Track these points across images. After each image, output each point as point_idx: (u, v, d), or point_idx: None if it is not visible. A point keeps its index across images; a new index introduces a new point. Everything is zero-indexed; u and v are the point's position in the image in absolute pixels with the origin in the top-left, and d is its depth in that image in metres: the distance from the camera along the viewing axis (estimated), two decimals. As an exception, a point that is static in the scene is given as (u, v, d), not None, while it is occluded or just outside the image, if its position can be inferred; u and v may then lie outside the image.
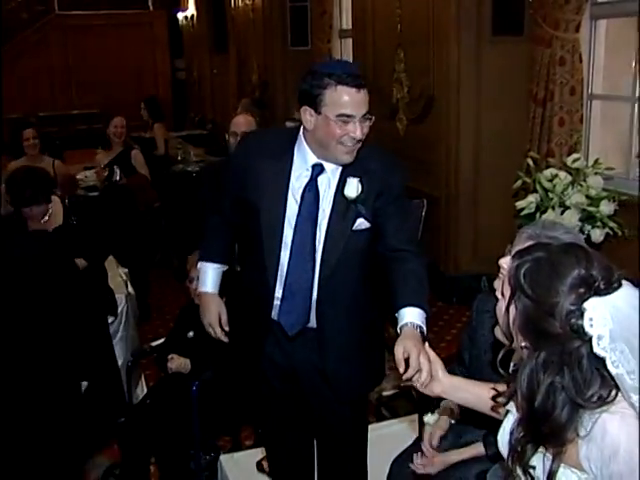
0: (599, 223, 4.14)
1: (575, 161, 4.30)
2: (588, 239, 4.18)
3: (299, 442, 2.66)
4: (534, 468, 1.53)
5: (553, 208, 4.15)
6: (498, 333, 1.64)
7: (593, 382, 1.42)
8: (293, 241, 2.31)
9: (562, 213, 4.12)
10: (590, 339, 1.39)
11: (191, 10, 12.44)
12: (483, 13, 5.33)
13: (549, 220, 2.47)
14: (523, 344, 1.50)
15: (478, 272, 4.93)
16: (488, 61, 5.38)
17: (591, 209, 4.11)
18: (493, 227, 5.19)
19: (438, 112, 5.69)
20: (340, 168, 2.30)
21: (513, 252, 2.25)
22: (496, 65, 5.35)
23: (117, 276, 4.42)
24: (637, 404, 1.39)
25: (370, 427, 2.75)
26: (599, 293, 1.40)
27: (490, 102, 5.41)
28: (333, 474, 2.64)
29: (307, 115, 2.23)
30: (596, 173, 4.27)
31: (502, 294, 1.56)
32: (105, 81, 11.78)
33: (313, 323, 2.38)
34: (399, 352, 1.98)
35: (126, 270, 4.72)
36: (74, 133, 11.11)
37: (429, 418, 2.57)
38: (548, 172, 4.30)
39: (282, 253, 2.33)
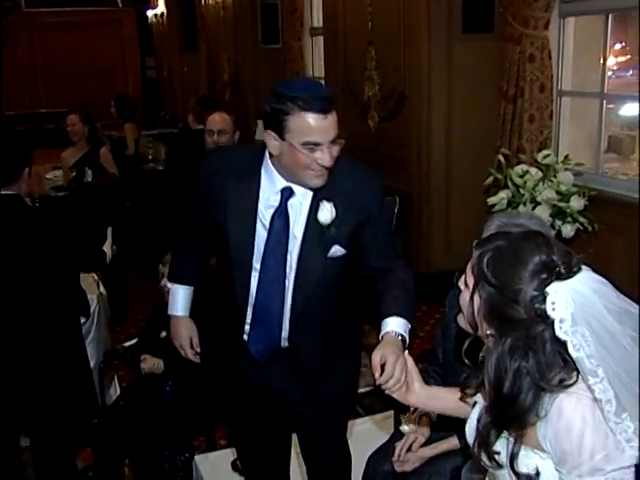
0: (570, 218, 4.19)
1: (545, 157, 4.35)
2: (559, 235, 4.23)
3: (274, 442, 2.63)
4: (499, 454, 1.55)
5: (524, 204, 4.19)
6: (461, 322, 1.64)
7: (555, 366, 1.46)
8: (262, 268, 2.22)
9: (533, 209, 4.16)
10: (553, 323, 1.42)
11: (161, 8, 12.35)
12: (453, 11, 5.36)
13: (515, 210, 2.49)
14: (488, 332, 1.53)
15: (451, 268, 4.94)
16: (458, 58, 5.41)
17: (562, 205, 4.16)
18: (465, 223, 5.21)
19: (409, 109, 5.71)
20: (311, 191, 2.17)
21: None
22: (466, 62, 5.38)
23: (89, 276, 4.37)
24: (594, 387, 1.41)
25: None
26: (560, 277, 1.44)
27: (461, 99, 5.44)
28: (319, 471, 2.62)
29: (272, 140, 2.07)
30: (566, 169, 4.32)
31: (466, 284, 1.58)
32: (74, 79, 11.65)
33: (285, 345, 2.32)
34: (376, 358, 1.97)
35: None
36: (43, 132, 10.97)
37: (405, 428, 2.57)
38: (519, 168, 4.35)
39: (252, 280, 2.24)
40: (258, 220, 2.20)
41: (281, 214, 2.18)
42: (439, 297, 2.68)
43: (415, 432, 2.50)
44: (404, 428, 2.56)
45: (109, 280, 4.82)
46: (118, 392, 3.99)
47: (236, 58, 9.34)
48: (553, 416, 1.45)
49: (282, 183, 2.17)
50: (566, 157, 4.41)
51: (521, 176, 4.28)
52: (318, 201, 2.16)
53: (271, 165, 2.16)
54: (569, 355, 1.43)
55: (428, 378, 2.61)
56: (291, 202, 2.18)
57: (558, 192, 4.21)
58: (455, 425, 2.11)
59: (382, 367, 1.92)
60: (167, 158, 6.64)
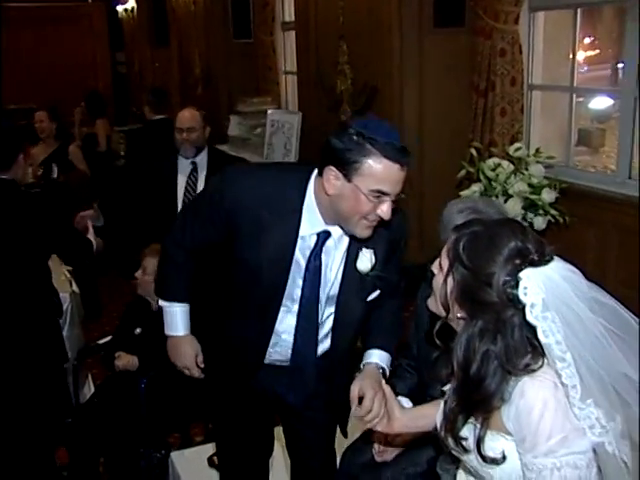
0: (541, 211, 4.23)
1: (517, 150, 4.39)
2: (531, 227, 4.27)
3: (256, 437, 2.55)
4: (466, 439, 1.58)
5: (497, 197, 4.23)
6: (432, 305, 1.67)
7: (523, 351, 1.48)
8: (301, 311, 2.14)
9: (505, 202, 4.21)
10: (523, 308, 1.45)
11: (131, 2, 12.22)
12: (424, 5, 5.39)
13: (461, 198, 2.53)
14: (459, 315, 1.56)
15: (425, 262, 4.96)
16: (430, 53, 5.43)
17: (533, 197, 4.21)
18: (438, 217, 5.24)
19: (381, 103, 5.72)
20: (347, 237, 2.08)
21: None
22: (438, 56, 5.41)
23: (61, 275, 4.33)
24: (562, 372, 1.44)
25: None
26: (533, 264, 1.47)
27: (432, 93, 5.47)
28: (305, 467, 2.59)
29: (332, 178, 1.91)
30: (537, 162, 4.37)
31: (440, 267, 1.61)
32: (43, 75, 11.49)
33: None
34: (355, 390, 1.99)
35: (70, 268, 4.62)
36: (12, 129, 10.82)
37: None
38: (491, 161, 4.39)
39: (283, 319, 2.17)
40: (294, 260, 2.08)
41: (316, 258, 2.09)
42: (413, 291, 2.69)
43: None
44: None
45: (82, 278, 4.78)
46: (92, 390, 3.96)
47: (208, 53, 9.28)
48: (516, 398, 1.49)
49: (322, 225, 2.05)
50: (537, 150, 4.46)
51: (493, 169, 4.32)
52: (356, 248, 2.09)
53: (315, 204, 2.03)
54: (538, 341, 1.46)
55: (403, 372, 2.63)
56: (326, 245, 2.09)
57: (530, 185, 4.26)
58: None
59: (360, 399, 1.94)
60: (127, 152, 6.54)
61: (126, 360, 3.41)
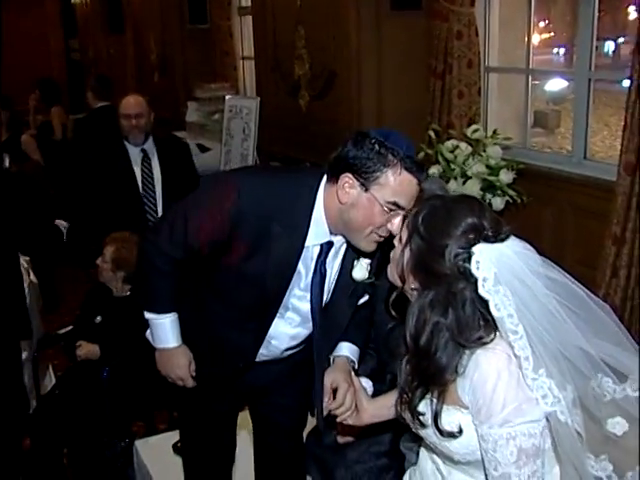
0: (499, 192, 4.28)
1: (475, 132, 4.43)
2: (490, 207, 4.31)
3: (221, 424, 2.53)
4: (423, 415, 1.61)
5: (455, 178, 4.27)
6: (390, 275, 1.69)
7: (474, 324, 1.51)
8: (294, 316, 2.15)
9: (464, 183, 4.24)
10: (476, 281, 1.48)
11: (84, -12, 12.02)
12: (381, -12, 5.38)
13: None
14: (413, 286, 1.60)
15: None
16: (387, 36, 5.42)
17: (491, 178, 4.25)
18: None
19: (340, 88, 5.71)
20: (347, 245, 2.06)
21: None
22: (395, 40, 5.40)
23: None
24: (514, 344, 1.47)
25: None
26: (487, 240, 1.50)
27: (391, 76, 5.47)
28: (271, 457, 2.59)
29: (347, 186, 1.89)
30: (495, 143, 4.41)
31: (400, 240, 1.64)
32: (-6, 63, 11.25)
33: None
34: (328, 382, 2.00)
35: (27, 258, 4.55)
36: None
37: None
38: (449, 143, 4.42)
39: (273, 327, 2.15)
40: (296, 273, 2.07)
41: (322, 267, 2.07)
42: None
43: None
44: None
45: (39, 268, 4.72)
46: (53, 381, 3.92)
47: (163, 39, 9.17)
48: (470, 371, 1.51)
49: (327, 236, 2.02)
50: (494, 132, 4.50)
51: (451, 151, 4.35)
52: (353, 258, 2.08)
53: (323, 214, 1.99)
54: (490, 314, 1.49)
55: (364, 355, 2.65)
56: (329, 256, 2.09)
57: (488, 166, 4.30)
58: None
59: (333, 391, 1.96)
60: (73, 141, 6.41)
61: (87, 349, 3.38)
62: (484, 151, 4.39)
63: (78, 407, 3.29)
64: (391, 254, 1.68)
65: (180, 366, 2.24)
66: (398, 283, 1.65)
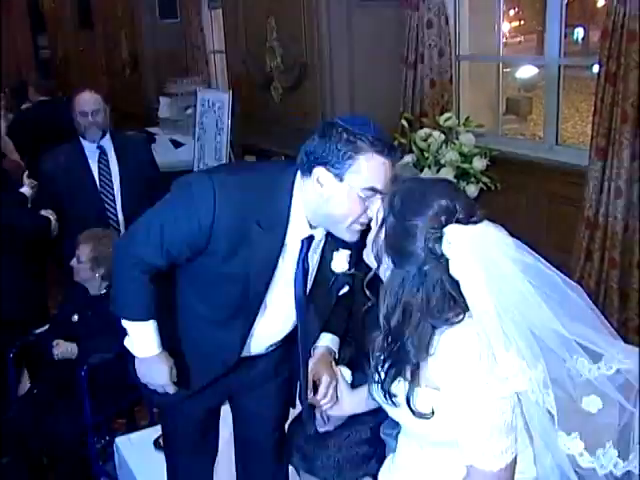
0: (473, 179, 4.31)
1: (447, 120, 4.45)
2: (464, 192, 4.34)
3: (205, 421, 2.50)
4: (396, 396, 1.63)
5: (429, 167, 4.29)
6: (365, 257, 1.72)
7: (444, 305, 1.54)
8: (272, 310, 2.11)
9: (438, 171, 4.27)
10: (447, 262, 1.51)
11: (51, -16, 11.87)
12: (351, -22, 5.37)
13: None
14: (385, 265, 1.62)
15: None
16: (359, 26, 5.42)
17: (465, 166, 4.28)
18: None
19: (312, 79, 5.70)
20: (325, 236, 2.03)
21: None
22: (367, 30, 5.40)
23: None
24: (485, 324, 1.49)
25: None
26: (459, 222, 1.53)
27: (363, 66, 5.47)
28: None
29: (321, 179, 1.85)
30: (467, 131, 4.44)
31: (377, 220, 1.66)
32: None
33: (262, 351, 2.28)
34: (310, 375, 2.02)
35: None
36: None
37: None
38: (422, 132, 4.44)
39: (255, 324, 2.12)
40: (278, 269, 2.03)
41: (305, 262, 2.04)
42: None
43: None
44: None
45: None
46: (28, 381, 3.88)
47: (134, 34, 9.09)
48: (440, 349, 1.54)
49: (307, 230, 1.99)
50: (467, 119, 4.53)
51: (424, 140, 4.38)
52: (332, 250, 2.05)
53: (302, 210, 1.95)
54: (461, 295, 1.52)
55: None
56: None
57: (461, 154, 4.33)
58: None
59: (315, 384, 1.98)
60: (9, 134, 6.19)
61: (64, 348, 3.35)
62: (457, 139, 4.42)
63: (57, 406, 3.27)
64: (367, 237, 1.70)
65: (161, 373, 2.14)
66: (374, 264, 1.66)
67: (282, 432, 2.55)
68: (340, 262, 2.03)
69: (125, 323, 2.12)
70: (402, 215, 1.56)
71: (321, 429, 2.45)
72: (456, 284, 1.52)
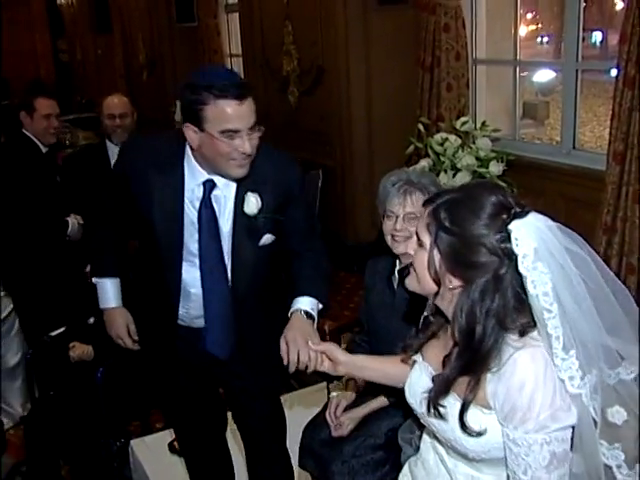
0: (489, 183, 4.28)
1: (464, 124, 4.43)
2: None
3: (209, 419, 2.64)
4: (444, 407, 1.58)
5: (445, 171, 4.27)
6: (413, 285, 1.64)
7: (519, 307, 1.48)
8: (202, 262, 2.23)
9: (454, 176, 4.25)
10: (516, 259, 1.44)
11: (70, -12, 11.96)
12: (368, -18, 5.38)
13: (395, 172, 2.57)
14: (452, 285, 1.52)
15: (375, 240, 5.01)
16: (375, 30, 5.43)
17: (481, 170, 4.26)
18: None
19: (329, 83, 5.72)
20: (233, 182, 2.17)
21: (399, 207, 2.37)
22: (383, 33, 5.41)
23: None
24: (548, 322, 1.44)
25: (281, 398, 2.76)
26: (518, 216, 1.46)
27: (379, 70, 5.48)
28: (256, 450, 2.63)
29: (190, 133, 2.05)
30: (484, 135, 4.42)
31: (419, 245, 1.57)
32: (-19, 65, 11.19)
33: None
34: (283, 345, 2.03)
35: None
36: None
37: (335, 388, 2.62)
38: (439, 136, 4.42)
39: (186, 273, 2.26)
40: (185, 214, 2.19)
41: (207, 207, 2.18)
42: (364, 267, 2.72)
43: (338, 396, 2.54)
44: (332, 395, 2.60)
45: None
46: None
47: (151, 38, 9.14)
48: (507, 371, 1.47)
49: (204, 176, 2.15)
50: (483, 124, 4.50)
51: (441, 144, 4.36)
52: (242, 193, 2.16)
53: (192, 158, 2.14)
54: (525, 294, 1.47)
55: (357, 347, 2.66)
56: (215, 194, 2.18)
57: (477, 158, 4.30)
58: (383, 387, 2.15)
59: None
60: None
61: (81, 350, 3.36)
62: (473, 143, 4.40)
63: (73, 408, 3.28)
64: (414, 263, 1.61)
65: (118, 326, 2.50)
66: (433, 288, 1.58)
67: (276, 401, 2.62)
68: (250, 204, 2.16)
69: (93, 279, 2.52)
70: (459, 228, 1.48)
71: (334, 433, 2.45)
72: (521, 283, 1.47)
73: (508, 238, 1.45)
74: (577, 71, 4.30)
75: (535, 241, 1.43)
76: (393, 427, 2.37)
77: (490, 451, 1.54)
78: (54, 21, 12.56)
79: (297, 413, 2.88)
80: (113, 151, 3.93)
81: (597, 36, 12.86)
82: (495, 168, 4.29)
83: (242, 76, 7.34)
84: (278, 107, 6.28)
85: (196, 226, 2.19)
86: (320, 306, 2.27)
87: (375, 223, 5.72)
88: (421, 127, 4.61)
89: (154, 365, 2.59)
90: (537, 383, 1.44)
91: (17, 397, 4.00)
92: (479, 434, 1.53)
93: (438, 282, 1.55)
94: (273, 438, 2.61)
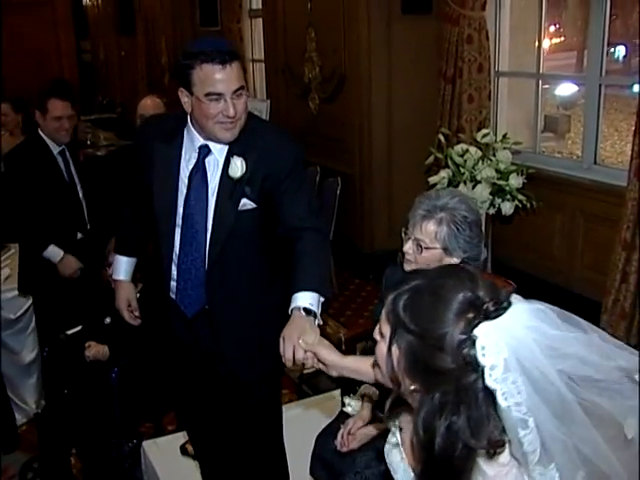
0: (509, 196, 4.28)
1: (484, 136, 4.43)
2: (499, 212, 4.32)
3: (218, 421, 2.63)
4: None
5: (465, 182, 4.27)
6: (378, 375, 1.46)
7: (486, 421, 1.27)
8: (184, 223, 2.32)
9: (473, 187, 4.24)
10: (483, 370, 1.24)
11: (95, -10, 12.07)
12: (392, -8, 5.38)
13: (434, 190, 2.52)
14: (412, 387, 1.33)
15: (394, 248, 4.98)
16: (398, 39, 5.43)
17: (501, 183, 4.25)
18: (407, 203, 5.20)
19: (350, 91, 5.72)
20: (226, 148, 2.27)
21: (412, 228, 2.28)
22: (406, 43, 5.41)
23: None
24: (524, 440, 1.28)
25: (294, 404, 2.77)
26: (489, 316, 1.25)
27: (401, 80, 5.47)
28: (248, 452, 2.62)
29: (184, 97, 2.21)
30: (505, 148, 4.41)
31: (381, 334, 1.39)
32: (7, 64, 11.29)
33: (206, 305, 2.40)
34: (281, 344, 2.04)
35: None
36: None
37: (350, 402, 2.61)
38: (459, 147, 4.42)
39: (176, 237, 2.35)
40: (180, 180, 2.32)
41: (198, 170, 2.30)
42: (380, 276, 2.72)
43: (354, 417, 2.53)
44: (347, 409, 2.59)
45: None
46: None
47: (174, 41, 9.19)
48: None
49: (200, 141, 2.29)
50: (504, 136, 4.50)
51: (461, 155, 4.35)
52: (229, 157, 2.27)
53: (191, 125, 2.29)
54: (496, 409, 1.27)
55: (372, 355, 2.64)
56: (208, 159, 2.30)
57: (497, 170, 4.30)
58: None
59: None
60: None
61: (96, 350, 3.38)
62: (494, 155, 4.39)
63: (86, 407, 3.29)
64: (376, 352, 1.42)
65: (119, 297, 2.68)
66: (390, 386, 1.41)
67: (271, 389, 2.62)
68: (234, 167, 2.25)
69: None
70: (418, 327, 1.27)
71: (343, 449, 2.43)
72: (492, 395, 1.26)
73: (474, 344, 1.24)
74: (600, 86, 4.29)
75: (505, 350, 1.22)
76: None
77: None
78: (78, 22, 12.67)
79: (309, 421, 2.87)
80: None
81: (620, 50, 12.79)
82: (515, 181, 4.28)
83: (264, 81, 7.43)
84: (299, 113, 6.29)
85: (186, 190, 2.31)
86: (322, 299, 2.24)
87: (392, 232, 5.72)
88: (441, 138, 4.61)
89: (167, 367, 2.63)
90: None
91: (31, 394, 4.04)
92: None
93: (397, 381, 1.37)
94: (267, 426, 2.59)
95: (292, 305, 2.19)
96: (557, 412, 1.26)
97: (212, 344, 2.44)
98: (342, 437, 2.46)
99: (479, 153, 4.37)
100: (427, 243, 2.24)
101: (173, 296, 2.41)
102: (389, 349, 1.34)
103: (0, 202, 3.72)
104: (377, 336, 1.41)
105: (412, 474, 1.49)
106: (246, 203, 2.28)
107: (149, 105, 4.04)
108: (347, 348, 2.81)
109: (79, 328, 3.64)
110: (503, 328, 1.23)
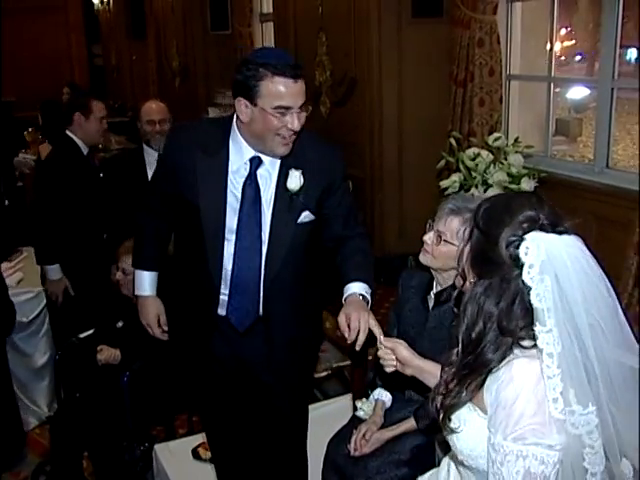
0: (520, 200, 4.25)
1: (496, 140, 4.41)
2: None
3: (242, 426, 2.63)
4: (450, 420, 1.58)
5: (476, 187, 4.25)
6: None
7: (523, 318, 1.48)
8: (238, 238, 2.27)
9: (485, 191, 4.23)
10: (523, 267, 1.45)
11: (107, -6, 12.13)
12: (403, -5, 5.39)
13: (468, 193, 2.57)
14: (472, 279, 1.58)
15: (404, 252, 5.01)
16: (409, 43, 5.43)
17: (512, 186, 4.23)
18: (418, 207, 5.25)
19: (361, 94, 5.72)
20: (279, 160, 2.26)
21: (437, 221, 2.36)
22: (417, 47, 5.41)
23: (37, 268, 4.27)
24: (539, 335, 1.44)
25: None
26: (542, 229, 1.47)
27: (411, 84, 5.47)
28: (274, 458, 2.62)
29: (242, 107, 2.15)
30: (516, 151, 4.39)
31: (459, 239, 1.71)
32: (19, 68, 11.36)
33: (261, 313, 2.38)
34: (342, 319, 2.08)
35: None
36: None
37: (362, 406, 2.61)
38: (470, 151, 4.40)
39: (225, 251, 2.30)
40: (229, 192, 2.27)
41: (252, 183, 2.26)
42: (394, 280, 2.71)
43: (367, 421, 2.53)
44: (359, 414, 2.59)
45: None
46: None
47: (185, 45, 9.23)
48: (501, 372, 1.49)
49: (250, 152, 2.25)
50: (516, 140, 4.48)
51: (472, 159, 4.34)
52: (287, 170, 2.25)
53: (239, 135, 2.24)
54: (530, 304, 1.46)
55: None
56: (260, 172, 2.26)
57: (509, 174, 4.28)
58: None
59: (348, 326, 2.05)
60: None
61: (108, 353, 3.38)
62: (505, 159, 4.37)
63: (98, 410, 3.30)
64: (457, 257, 1.67)
65: (148, 313, 2.58)
66: (460, 282, 1.65)
67: (301, 404, 2.63)
68: (293, 180, 2.24)
69: (134, 269, 2.61)
70: (486, 226, 1.53)
71: (356, 453, 2.43)
72: (527, 292, 1.46)
73: (520, 244, 1.46)
74: (612, 89, 4.27)
75: (545, 254, 1.43)
76: (418, 444, 2.36)
77: (477, 459, 1.55)
78: (90, 26, 12.74)
79: (321, 425, 2.86)
80: (152, 156, 3.98)
81: (632, 53, 12.73)
82: (527, 185, 4.26)
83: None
84: (309, 117, 6.28)
85: (239, 202, 2.26)
86: (369, 291, 2.28)
87: (402, 236, 5.72)
88: (453, 142, 4.60)
89: (188, 367, 2.61)
90: (523, 389, 1.45)
91: (43, 396, 4.06)
92: (457, 430, 1.55)
93: (464, 276, 1.62)
94: (293, 439, 2.61)
95: (347, 293, 2.24)
96: (577, 331, 1.43)
97: (263, 352, 2.42)
98: (355, 442, 2.46)
99: (490, 157, 4.36)
100: (447, 237, 2.31)
101: (222, 312, 2.37)
102: (464, 247, 1.61)
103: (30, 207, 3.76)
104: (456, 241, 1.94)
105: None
106: (306, 215, 2.29)
107: (154, 110, 4.05)
108: (360, 351, 2.80)
109: (91, 332, 3.65)
110: (549, 241, 1.45)
